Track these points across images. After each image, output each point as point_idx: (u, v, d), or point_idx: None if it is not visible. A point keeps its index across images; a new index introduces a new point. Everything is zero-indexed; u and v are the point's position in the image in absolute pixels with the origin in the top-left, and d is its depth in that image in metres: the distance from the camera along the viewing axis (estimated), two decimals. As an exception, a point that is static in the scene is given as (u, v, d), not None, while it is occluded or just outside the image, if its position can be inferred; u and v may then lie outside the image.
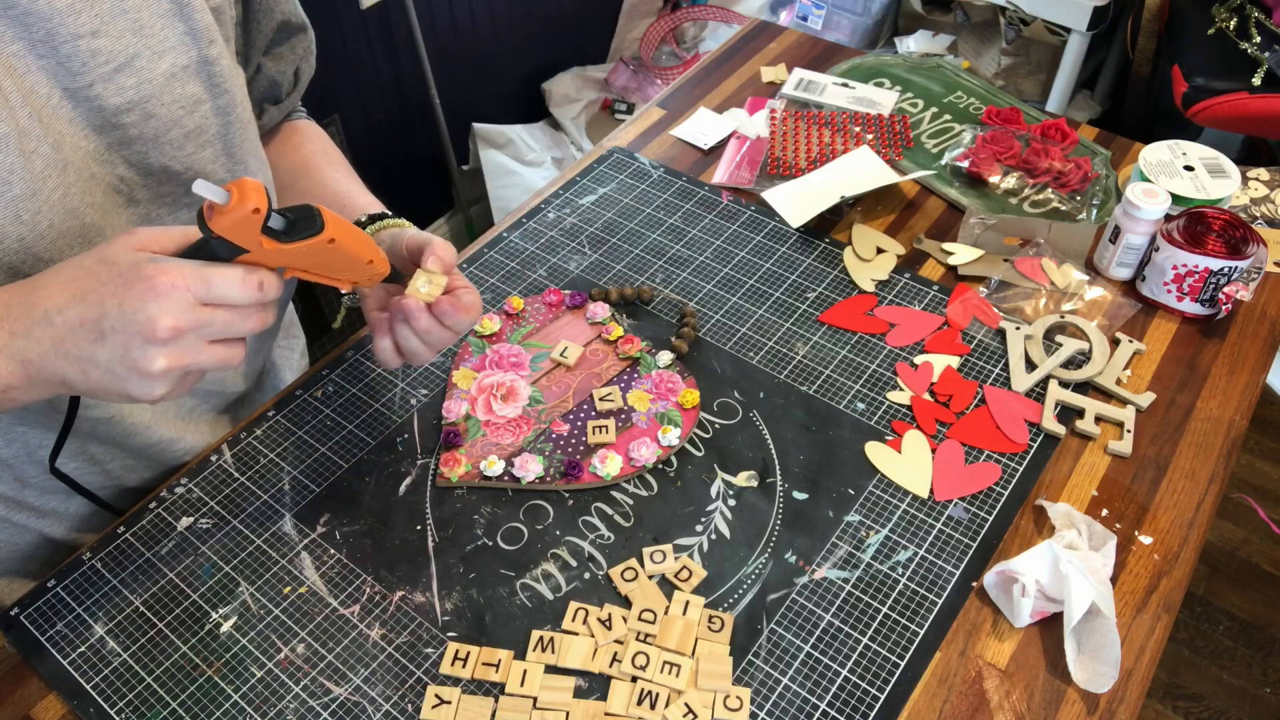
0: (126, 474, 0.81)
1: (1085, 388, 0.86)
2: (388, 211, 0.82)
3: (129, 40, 0.64)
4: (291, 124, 0.90)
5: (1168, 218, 0.90)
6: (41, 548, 0.82)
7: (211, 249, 0.56)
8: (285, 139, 0.88)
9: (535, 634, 0.70)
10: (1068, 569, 0.67)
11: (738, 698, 0.66)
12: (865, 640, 0.69)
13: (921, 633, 0.70)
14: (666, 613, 0.71)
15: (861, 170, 1.04)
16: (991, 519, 0.76)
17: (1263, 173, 1.09)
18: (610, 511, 0.78)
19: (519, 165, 2.20)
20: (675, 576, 0.73)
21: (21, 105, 0.60)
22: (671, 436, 0.81)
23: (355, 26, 1.83)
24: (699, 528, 0.76)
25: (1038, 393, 0.85)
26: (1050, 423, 0.82)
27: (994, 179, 1.05)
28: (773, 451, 0.81)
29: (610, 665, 0.68)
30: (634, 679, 0.67)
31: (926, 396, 0.85)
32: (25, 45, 0.60)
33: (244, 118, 0.74)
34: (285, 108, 0.85)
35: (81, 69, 0.62)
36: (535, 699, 0.67)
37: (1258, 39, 1.79)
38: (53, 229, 0.63)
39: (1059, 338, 0.89)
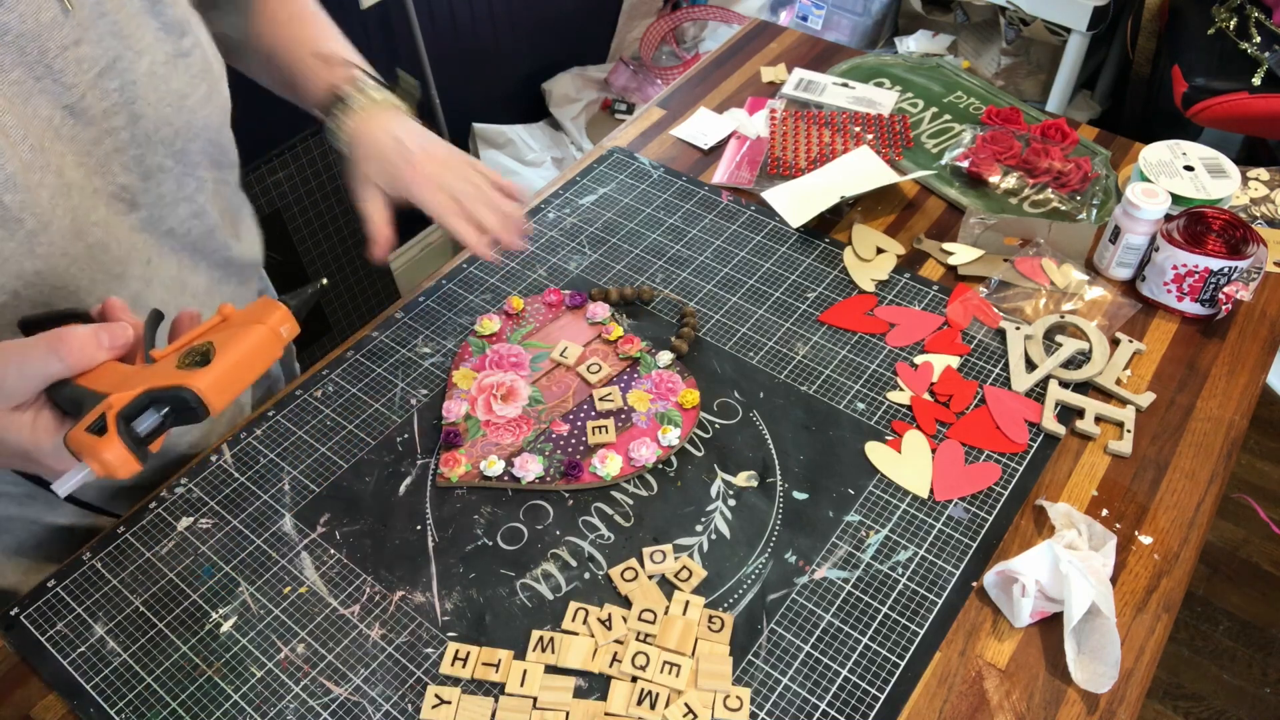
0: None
1: (1085, 388, 0.86)
2: (358, 69, 0.84)
3: (110, 43, 0.65)
4: None
5: (1168, 218, 0.90)
6: (47, 535, 0.82)
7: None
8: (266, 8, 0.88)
9: (535, 634, 0.70)
10: (1068, 569, 0.67)
11: (738, 698, 0.66)
12: (865, 640, 0.69)
13: (921, 633, 0.70)
14: (666, 613, 0.71)
15: (861, 170, 1.04)
16: (991, 519, 0.76)
17: (1263, 173, 1.09)
18: (610, 511, 0.78)
19: (519, 165, 2.20)
20: (675, 576, 0.73)
21: (22, 139, 0.60)
22: (671, 436, 0.81)
23: (355, 26, 1.82)
24: (699, 528, 0.76)
25: (1038, 393, 0.85)
26: (1050, 423, 0.82)
27: (994, 179, 1.05)
28: (773, 451, 0.81)
29: (610, 665, 0.68)
30: (634, 679, 0.67)
31: (926, 396, 0.85)
32: (24, 70, 0.61)
33: (221, 102, 0.75)
34: None
35: (73, 81, 0.63)
36: (535, 699, 0.67)
37: (1258, 39, 1.79)
38: (65, 256, 0.64)
39: (1059, 338, 0.89)
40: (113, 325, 0.57)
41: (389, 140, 0.82)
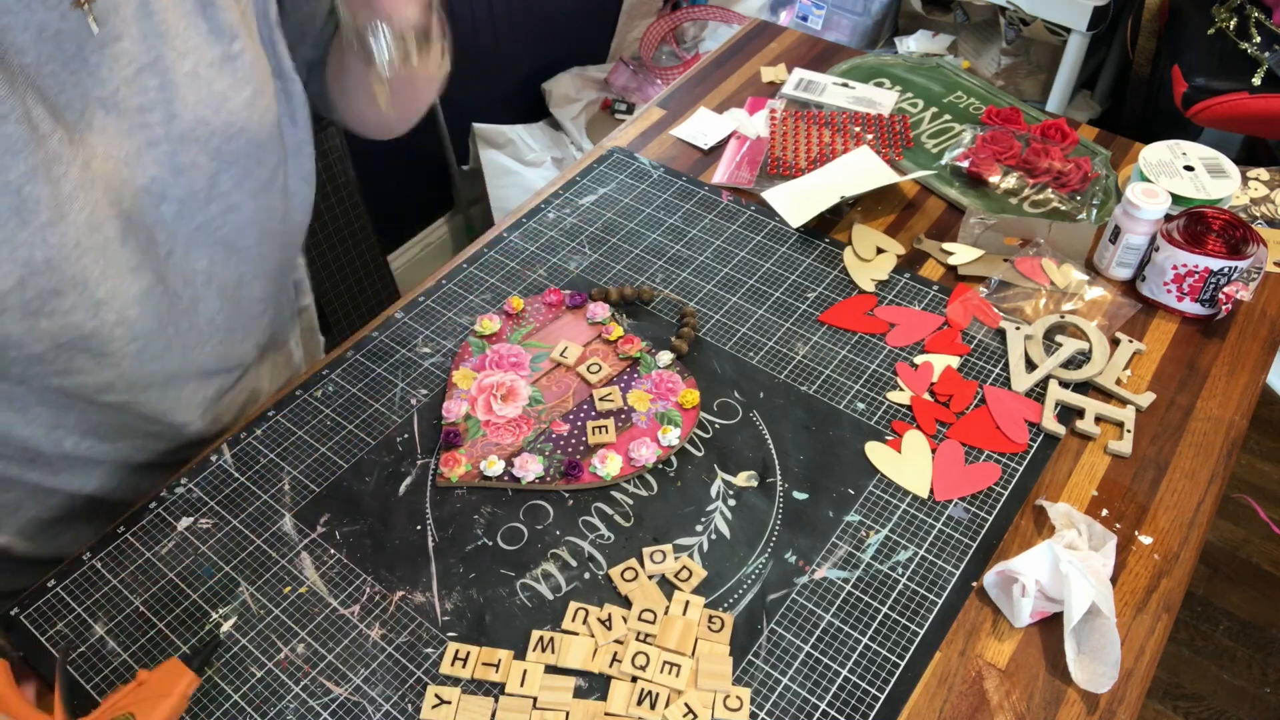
0: (134, 453, 0.82)
1: (1085, 388, 0.86)
2: None
3: (153, 42, 0.66)
4: None
5: (1168, 218, 0.90)
6: (70, 506, 0.82)
7: None
8: None
9: (535, 634, 0.70)
10: (1068, 569, 0.67)
11: (738, 698, 0.66)
12: (865, 640, 0.69)
13: (921, 633, 0.70)
14: (666, 613, 0.71)
15: (861, 170, 1.04)
16: (991, 519, 0.76)
17: (1263, 173, 1.09)
18: (610, 511, 0.78)
19: (519, 165, 2.20)
20: (675, 576, 0.73)
21: (52, 131, 0.61)
22: (671, 436, 0.81)
23: (355, 26, 1.82)
24: (699, 528, 0.76)
25: (1038, 393, 0.85)
26: (1050, 423, 0.82)
27: (994, 179, 1.05)
28: (773, 451, 0.81)
29: (610, 665, 0.68)
30: (634, 679, 0.67)
31: (926, 396, 0.85)
32: (59, 64, 0.62)
33: (266, 102, 0.74)
34: None
35: (108, 75, 0.64)
36: (535, 699, 0.67)
37: (1258, 39, 1.79)
38: (78, 246, 0.65)
39: (1059, 338, 0.89)
40: None
41: None
